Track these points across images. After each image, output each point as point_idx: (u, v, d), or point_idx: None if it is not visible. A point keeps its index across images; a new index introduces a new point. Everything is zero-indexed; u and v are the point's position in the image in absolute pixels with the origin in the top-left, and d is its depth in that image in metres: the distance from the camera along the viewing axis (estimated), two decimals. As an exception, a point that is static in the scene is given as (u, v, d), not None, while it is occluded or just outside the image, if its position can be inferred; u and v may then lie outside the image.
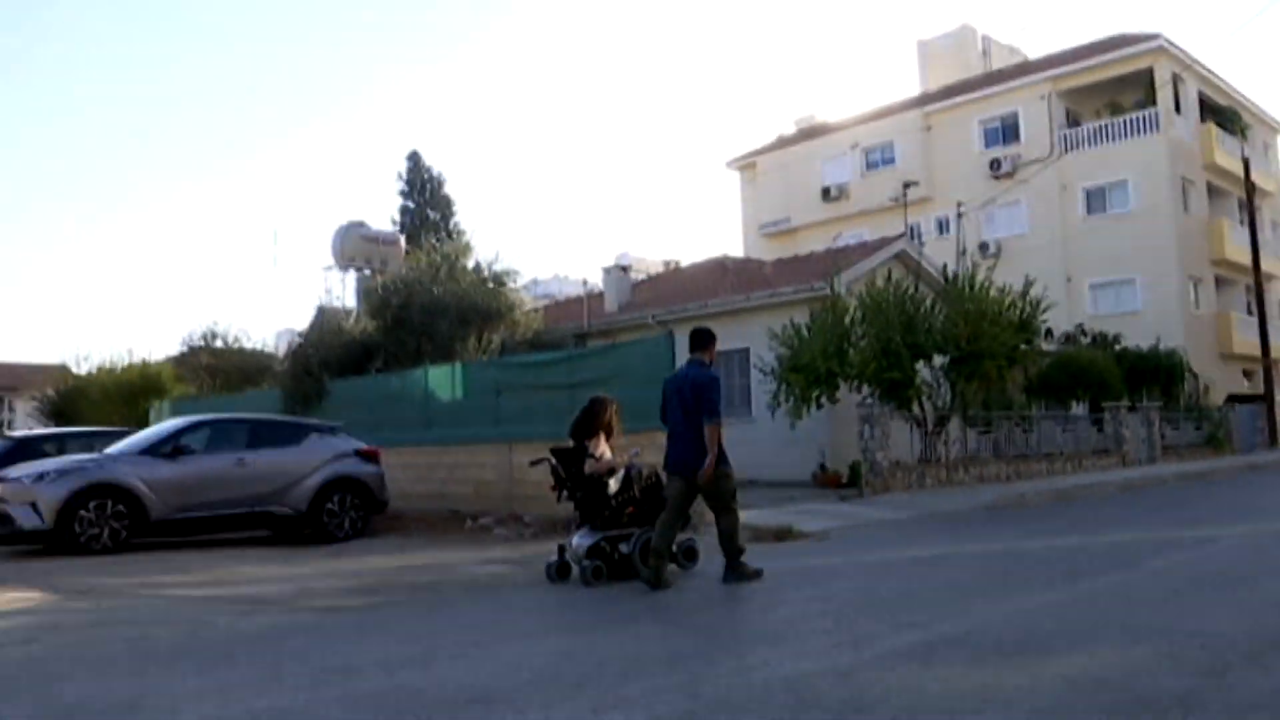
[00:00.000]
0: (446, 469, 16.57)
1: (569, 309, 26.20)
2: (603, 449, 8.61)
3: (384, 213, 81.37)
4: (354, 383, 19.19)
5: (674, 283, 26.11)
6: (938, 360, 17.46)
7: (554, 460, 8.67)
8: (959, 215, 30.21)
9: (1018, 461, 19.51)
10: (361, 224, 28.90)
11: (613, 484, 8.41)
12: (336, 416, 18.92)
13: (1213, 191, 36.86)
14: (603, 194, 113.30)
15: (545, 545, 12.20)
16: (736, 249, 42.08)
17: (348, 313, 24.22)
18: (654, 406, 13.46)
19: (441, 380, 16.85)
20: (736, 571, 7.91)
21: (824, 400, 16.89)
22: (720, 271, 25.59)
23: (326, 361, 20.08)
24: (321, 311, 25.13)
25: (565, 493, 8.67)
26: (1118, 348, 27.79)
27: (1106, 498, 15.98)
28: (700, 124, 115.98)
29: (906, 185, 30.35)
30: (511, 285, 22.56)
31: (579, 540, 8.36)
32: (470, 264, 22.56)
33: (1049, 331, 28.45)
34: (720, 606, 7.10)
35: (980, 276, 17.35)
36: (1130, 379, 26.28)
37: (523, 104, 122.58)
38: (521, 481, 15.23)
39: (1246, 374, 36.72)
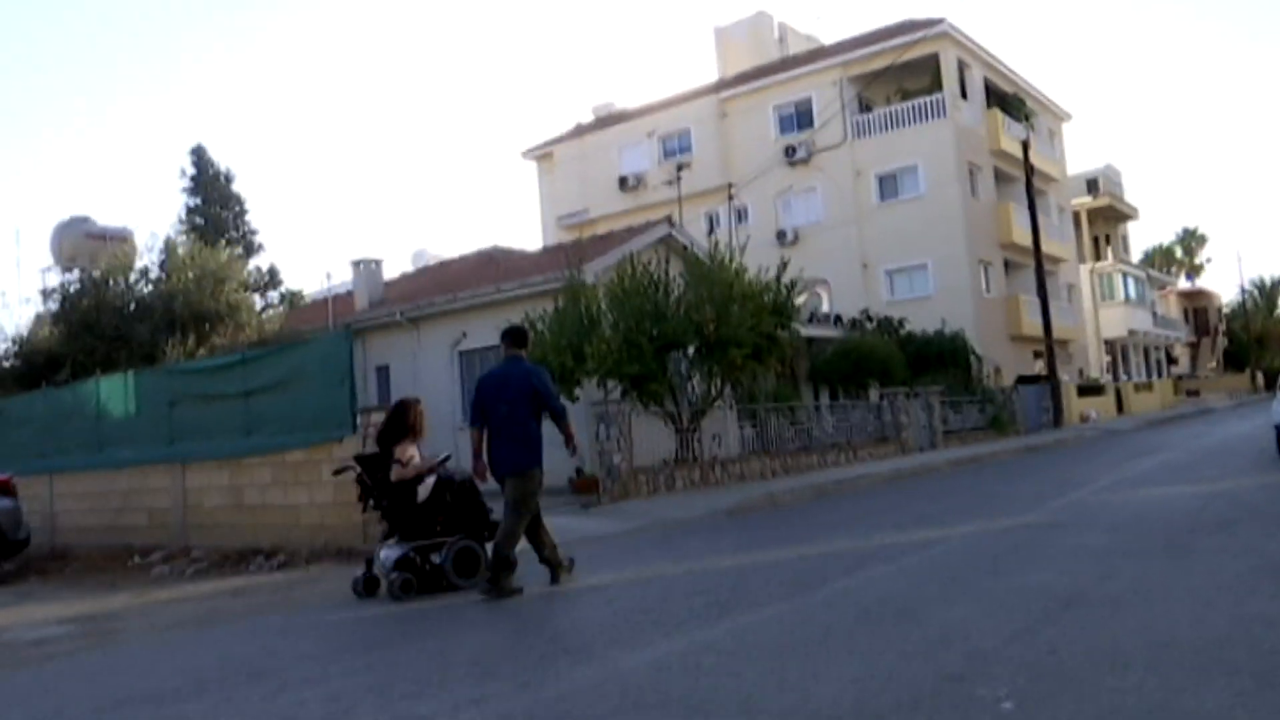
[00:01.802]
0: (120, 496, 14.17)
1: (321, 309, 23.79)
2: (410, 453, 7.99)
3: (169, 213, 76.11)
4: (25, 399, 16.48)
5: (434, 277, 24.04)
6: (693, 351, 16.03)
7: (359, 468, 8.07)
8: (730, 198, 29.24)
9: (786, 456, 18.27)
10: (86, 219, 25.63)
11: (421, 491, 7.89)
12: (5, 439, 16.25)
13: (1000, 177, 37.12)
14: (404, 190, 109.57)
15: (199, 587, 10.13)
16: (538, 243, 40.29)
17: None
18: (335, 413, 11.57)
19: (114, 393, 14.38)
20: (496, 585, 7.20)
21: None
22: (486, 264, 23.69)
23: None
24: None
25: (371, 502, 8.12)
26: (903, 332, 27.24)
27: (866, 492, 14.82)
28: (502, 114, 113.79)
29: (680, 167, 29.17)
30: (236, 284, 20.12)
31: (386, 553, 7.74)
32: (228, 261, 20.14)
33: (838, 318, 27.77)
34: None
35: (729, 258, 15.95)
36: (915, 364, 25.71)
37: (315, 98, 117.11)
38: (196, 509, 13.07)
39: (1038, 355, 37.16)
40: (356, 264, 22.41)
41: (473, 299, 19.49)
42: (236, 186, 54.94)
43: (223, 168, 54.92)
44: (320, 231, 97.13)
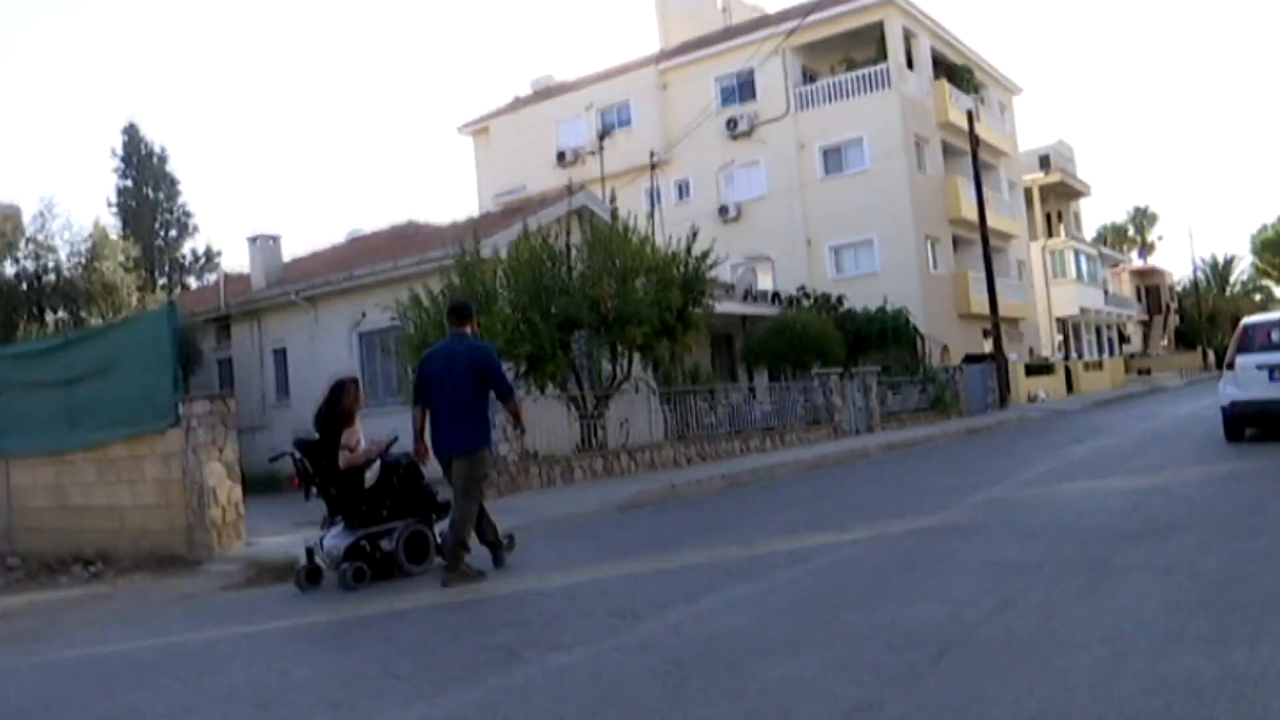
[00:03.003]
0: (-55, 497, 12.55)
1: (214, 290, 22.18)
2: (358, 438, 7.65)
3: (101, 192, 73.53)
4: None
5: (342, 254, 22.48)
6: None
7: (298, 454, 7.63)
8: (653, 167, 27.83)
9: (704, 442, 16.98)
10: (-33, 193, 23.81)
11: (369, 476, 7.57)
12: None
13: (949, 150, 35.98)
14: (344, 166, 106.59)
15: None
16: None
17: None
18: (157, 402, 10.11)
19: (-62, 379, 12.75)
20: (456, 573, 6.98)
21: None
22: (398, 239, 22.16)
23: None
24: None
25: (315, 489, 7.66)
26: (842, 309, 26.02)
27: (781, 481, 13.55)
28: (442, 88, 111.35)
29: (602, 136, 27.71)
30: (119, 262, 18.50)
31: (333, 541, 7.40)
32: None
33: (775, 295, 26.51)
34: None
35: (632, 227, 14.58)
36: (856, 343, 24.55)
37: (254, 77, 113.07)
38: (21, 510, 11.58)
39: (987, 333, 36.16)
40: (253, 240, 20.75)
41: (371, 276, 18.02)
42: (170, 167, 52.97)
43: (156, 147, 52.82)
44: (260, 213, 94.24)
